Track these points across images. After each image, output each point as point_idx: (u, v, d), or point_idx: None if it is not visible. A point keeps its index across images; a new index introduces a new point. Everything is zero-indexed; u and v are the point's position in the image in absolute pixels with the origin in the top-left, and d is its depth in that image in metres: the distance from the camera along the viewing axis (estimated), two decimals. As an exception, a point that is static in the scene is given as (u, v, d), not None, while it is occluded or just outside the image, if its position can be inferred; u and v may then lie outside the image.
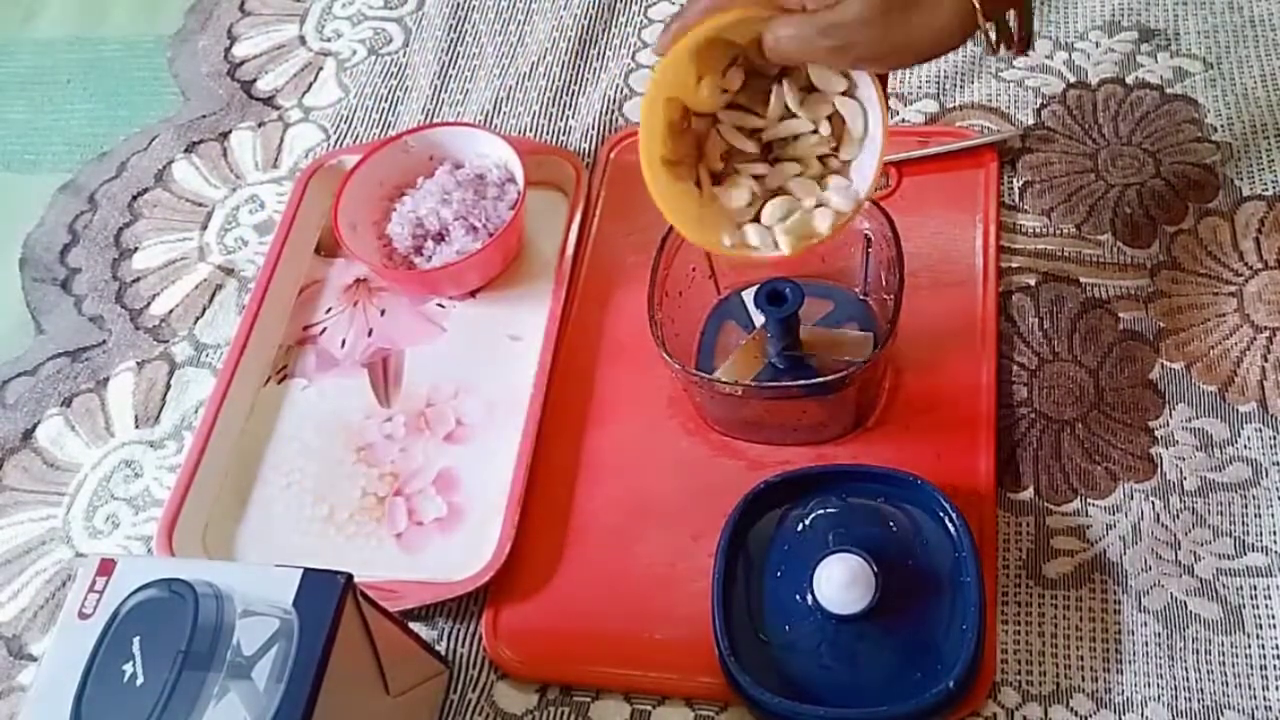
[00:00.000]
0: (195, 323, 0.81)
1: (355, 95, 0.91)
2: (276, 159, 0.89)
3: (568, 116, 0.87)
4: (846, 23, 0.50)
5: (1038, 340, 0.72)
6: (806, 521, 0.63)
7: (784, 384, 0.67)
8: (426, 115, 0.89)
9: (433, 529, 0.70)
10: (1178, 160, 0.78)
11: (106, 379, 0.79)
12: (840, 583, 0.58)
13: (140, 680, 0.48)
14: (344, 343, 0.78)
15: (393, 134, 0.81)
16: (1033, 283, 0.74)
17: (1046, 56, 0.85)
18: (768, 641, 0.60)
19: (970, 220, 0.76)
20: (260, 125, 0.91)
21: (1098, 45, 0.85)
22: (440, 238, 0.78)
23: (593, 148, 0.85)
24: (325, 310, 0.80)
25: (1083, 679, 0.61)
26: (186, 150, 0.90)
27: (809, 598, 0.59)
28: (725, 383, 0.66)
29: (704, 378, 0.67)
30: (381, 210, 0.80)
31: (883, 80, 0.54)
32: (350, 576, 0.50)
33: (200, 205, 0.87)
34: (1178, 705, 0.59)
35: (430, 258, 0.78)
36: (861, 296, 0.72)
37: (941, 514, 0.62)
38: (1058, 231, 0.76)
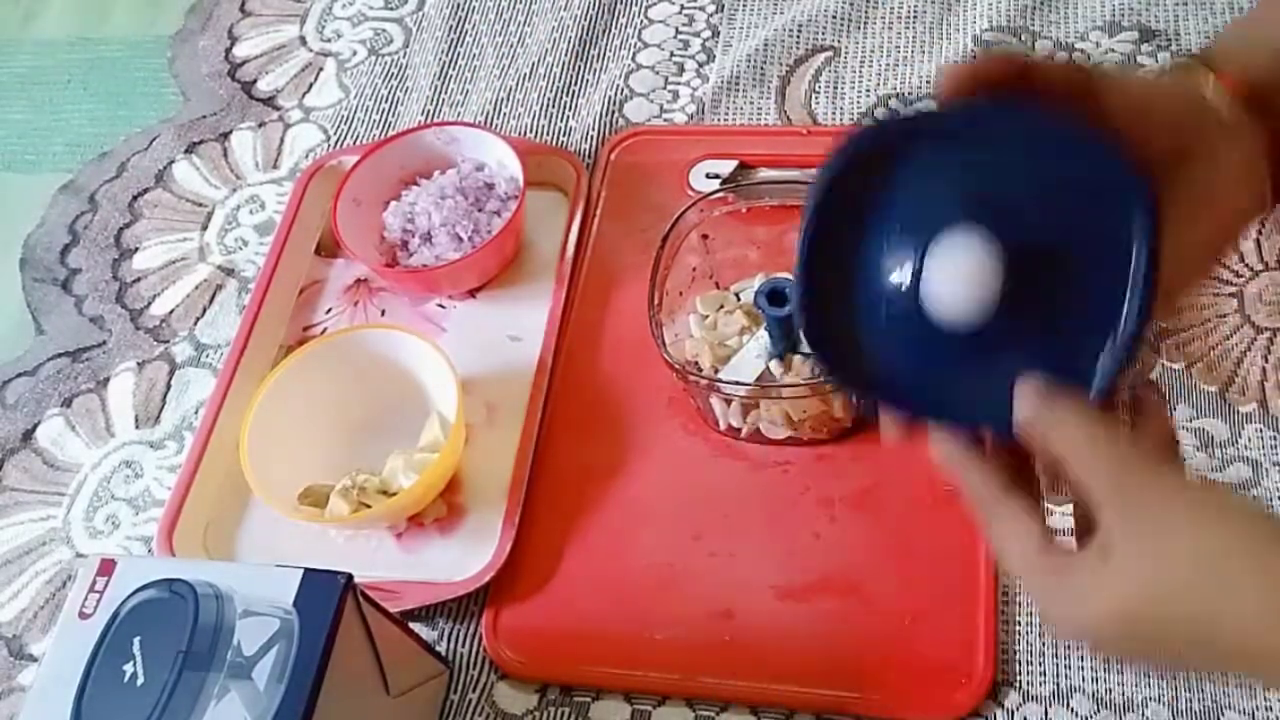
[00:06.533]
0: (195, 323, 0.81)
1: (355, 96, 0.91)
2: (277, 159, 0.89)
3: (568, 117, 0.87)
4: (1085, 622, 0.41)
5: (1038, 340, 0.71)
6: (931, 180, 0.44)
7: (784, 384, 0.67)
8: (426, 115, 0.89)
9: (433, 529, 0.70)
10: (1178, 160, 0.78)
11: (107, 379, 0.79)
12: (954, 277, 0.42)
13: (141, 680, 0.48)
14: (344, 343, 0.78)
15: (393, 134, 0.81)
16: (1033, 283, 0.74)
17: (1047, 57, 0.84)
18: (857, 325, 0.45)
19: (970, 220, 0.76)
20: (261, 125, 0.91)
21: (1098, 45, 0.85)
22: (427, 237, 0.78)
23: (593, 148, 0.84)
24: (325, 310, 0.80)
25: (1083, 679, 0.61)
26: (187, 150, 0.90)
27: (912, 284, 0.43)
28: (725, 382, 0.66)
29: (704, 378, 0.67)
30: (381, 211, 0.80)
31: None
32: (350, 576, 0.51)
33: (200, 205, 0.87)
34: (1178, 705, 0.59)
35: (413, 255, 0.78)
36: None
37: (1121, 201, 0.41)
38: (1058, 232, 0.76)
